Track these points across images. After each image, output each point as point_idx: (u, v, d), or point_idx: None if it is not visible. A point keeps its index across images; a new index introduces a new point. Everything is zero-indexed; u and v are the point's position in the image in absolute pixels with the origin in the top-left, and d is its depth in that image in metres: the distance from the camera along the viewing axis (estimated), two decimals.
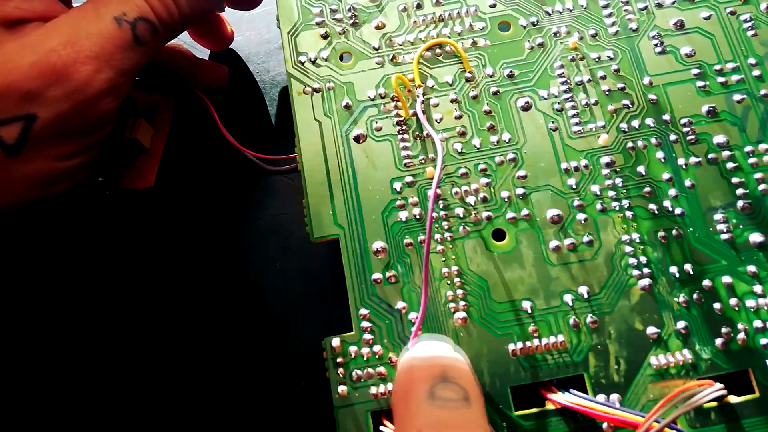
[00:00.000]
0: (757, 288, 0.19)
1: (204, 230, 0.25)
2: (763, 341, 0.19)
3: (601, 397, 0.19)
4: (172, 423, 0.22)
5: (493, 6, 0.23)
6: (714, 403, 0.18)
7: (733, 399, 0.18)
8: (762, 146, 0.20)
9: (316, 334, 0.22)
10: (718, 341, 0.19)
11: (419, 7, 0.23)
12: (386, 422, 0.19)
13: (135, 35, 0.20)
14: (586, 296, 0.19)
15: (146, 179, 0.25)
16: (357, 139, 0.21)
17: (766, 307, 0.19)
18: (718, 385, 0.18)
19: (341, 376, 0.19)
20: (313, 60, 0.22)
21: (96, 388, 0.23)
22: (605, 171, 0.20)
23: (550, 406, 0.19)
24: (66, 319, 0.24)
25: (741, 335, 0.19)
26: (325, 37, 0.23)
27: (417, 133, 0.21)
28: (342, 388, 0.19)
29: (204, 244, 0.24)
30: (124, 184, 0.25)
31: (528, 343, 0.19)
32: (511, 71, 0.22)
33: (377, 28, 0.23)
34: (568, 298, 0.19)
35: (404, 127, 0.21)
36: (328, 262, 0.23)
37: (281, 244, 0.24)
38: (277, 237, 0.24)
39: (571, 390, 0.19)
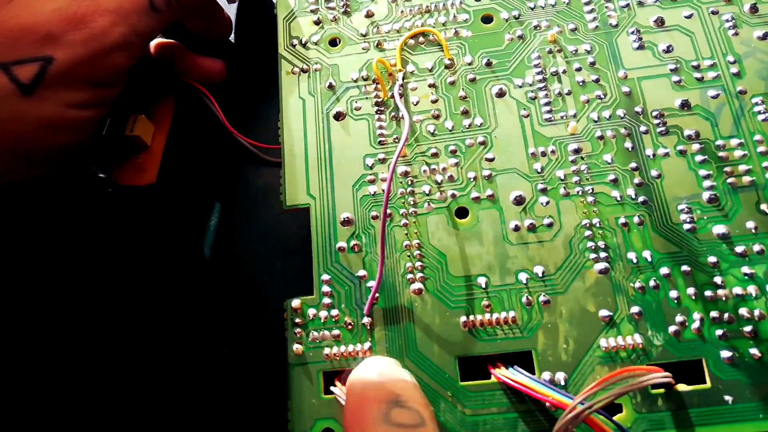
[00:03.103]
0: (717, 279, 0.19)
1: (203, 230, 0.25)
2: (718, 332, 0.18)
3: (546, 375, 0.19)
4: (171, 422, 0.23)
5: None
6: (661, 390, 0.18)
7: (682, 387, 0.18)
8: (734, 141, 0.20)
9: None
10: (672, 328, 0.19)
11: None
12: (338, 383, 0.19)
13: (151, 1, 0.21)
14: (540, 275, 0.20)
15: (148, 176, 0.25)
16: (336, 116, 0.23)
17: (724, 298, 0.19)
18: (665, 373, 0.18)
19: (298, 336, 0.20)
20: (303, 43, 0.24)
21: (96, 385, 0.23)
22: (572, 158, 0.21)
23: (494, 380, 0.19)
24: (66, 316, 0.24)
25: (695, 324, 0.18)
26: (317, 23, 0.24)
27: (393, 114, 0.22)
28: (297, 347, 0.20)
29: (204, 245, 0.25)
30: (126, 180, 0.25)
31: (480, 317, 0.19)
32: (489, 60, 0.22)
33: (367, 16, 0.24)
34: (522, 276, 0.20)
35: (381, 108, 0.22)
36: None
37: (281, 244, 0.25)
38: (277, 237, 0.25)
39: (515, 366, 0.19)
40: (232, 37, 0.28)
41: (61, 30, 0.20)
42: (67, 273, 0.25)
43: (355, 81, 0.23)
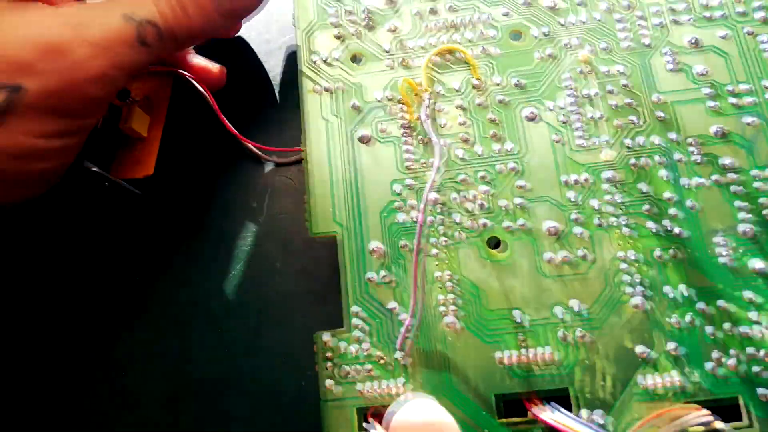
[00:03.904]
0: (753, 314, 0.19)
1: (203, 230, 0.25)
2: (755, 369, 0.18)
3: (584, 413, 0.19)
4: (170, 422, 0.23)
5: (507, 14, 0.23)
6: (700, 428, 0.18)
7: (719, 425, 0.18)
8: None
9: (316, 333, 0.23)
10: (709, 365, 0.19)
11: (433, 12, 0.23)
12: (371, 419, 0.19)
13: (140, 35, 0.20)
14: (576, 310, 0.19)
15: (145, 168, 0.24)
16: (362, 139, 0.22)
17: (760, 335, 0.19)
18: (705, 411, 0.18)
19: (329, 370, 0.20)
20: (325, 59, 0.23)
21: (96, 384, 0.23)
22: (606, 186, 0.20)
23: (531, 417, 0.19)
24: (64, 312, 0.24)
25: (732, 361, 0.18)
26: (338, 37, 0.23)
27: (421, 137, 0.22)
28: (329, 383, 0.20)
29: (204, 244, 0.25)
30: (123, 173, 0.24)
31: (516, 353, 0.19)
32: (518, 81, 0.22)
33: (390, 31, 0.23)
34: (558, 310, 0.19)
35: (409, 131, 0.22)
36: (328, 262, 0.23)
37: (281, 244, 0.24)
38: (277, 237, 0.25)
39: (553, 403, 0.19)
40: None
41: (35, 59, 0.19)
42: (62, 268, 0.25)
43: (380, 101, 0.22)
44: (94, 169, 0.24)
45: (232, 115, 0.25)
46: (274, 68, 0.27)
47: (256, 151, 0.25)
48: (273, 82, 0.27)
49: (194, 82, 0.25)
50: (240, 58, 0.28)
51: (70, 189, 0.24)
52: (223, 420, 0.22)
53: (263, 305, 0.24)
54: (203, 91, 0.25)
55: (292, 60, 0.27)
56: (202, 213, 0.25)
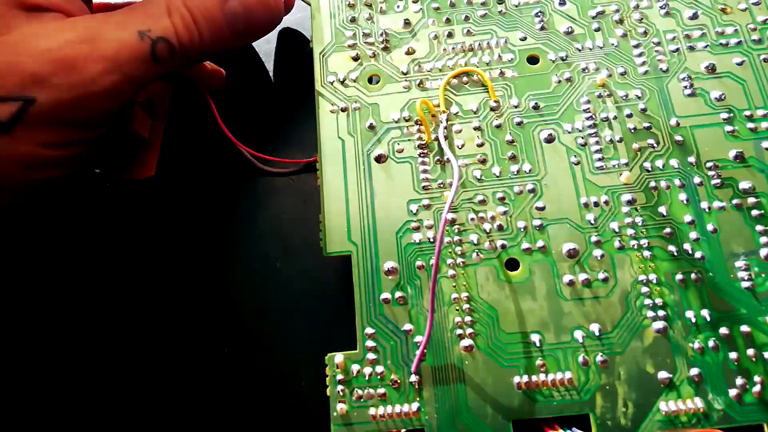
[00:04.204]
0: None
1: (203, 230, 0.25)
2: None
3: None
4: (170, 422, 0.22)
5: (524, 39, 0.23)
6: None
7: None
8: None
9: (315, 334, 0.23)
10: (732, 392, 0.18)
11: (450, 35, 0.23)
12: None
13: (153, 51, 0.20)
14: (597, 334, 0.19)
15: (147, 169, 0.24)
16: (378, 159, 0.22)
17: None
18: None
19: (342, 393, 0.19)
20: (341, 80, 0.23)
21: (95, 385, 0.23)
22: (625, 209, 0.20)
23: None
24: (64, 313, 0.24)
25: (757, 387, 0.18)
26: (355, 59, 0.23)
27: (438, 158, 0.21)
28: (341, 406, 0.19)
29: (203, 244, 0.25)
30: (124, 174, 0.24)
31: (534, 378, 0.19)
32: (536, 103, 0.22)
33: (407, 53, 0.23)
34: (578, 334, 0.19)
35: (425, 151, 0.22)
36: (328, 262, 0.23)
37: (281, 244, 0.24)
38: (277, 237, 0.24)
39: (574, 429, 0.18)
40: None
41: (49, 72, 0.19)
42: (63, 270, 0.24)
43: (397, 122, 0.22)
44: (96, 170, 0.24)
45: (230, 122, 0.25)
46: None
47: (255, 161, 0.25)
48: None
49: (198, 85, 0.25)
50: (243, 59, 0.28)
51: (71, 190, 0.24)
52: (224, 420, 0.22)
53: (263, 305, 0.23)
54: (205, 96, 0.25)
55: (295, 59, 0.28)
56: (202, 214, 0.25)
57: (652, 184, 0.20)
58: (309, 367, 0.22)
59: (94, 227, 0.25)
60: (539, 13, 0.23)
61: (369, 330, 0.20)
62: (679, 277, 0.19)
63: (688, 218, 0.20)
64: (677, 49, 0.22)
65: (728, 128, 0.21)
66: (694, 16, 0.22)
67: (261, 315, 0.23)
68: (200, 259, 0.24)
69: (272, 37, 0.28)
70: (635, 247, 0.20)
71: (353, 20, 0.24)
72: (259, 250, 0.24)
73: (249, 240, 0.24)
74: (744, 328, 0.19)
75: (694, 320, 0.19)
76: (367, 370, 0.19)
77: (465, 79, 0.22)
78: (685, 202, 0.20)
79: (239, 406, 0.22)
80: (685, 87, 0.21)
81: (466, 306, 0.20)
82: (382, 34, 0.23)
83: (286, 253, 0.24)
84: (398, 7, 0.24)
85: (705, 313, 0.19)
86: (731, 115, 0.21)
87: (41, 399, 0.23)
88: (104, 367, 0.23)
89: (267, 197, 0.25)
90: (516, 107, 0.22)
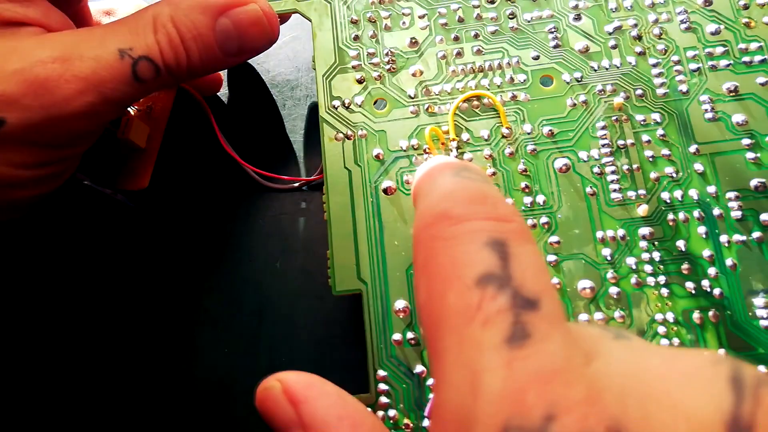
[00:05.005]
0: None
1: (203, 230, 0.24)
2: None
3: None
4: (170, 422, 0.22)
5: (537, 58, 0.22)
6: None
7: None
8: None
9: (316, 334, 0.23)
10: None
11: (459, 55, 0.22)
12: None
13: (135, 71, 0.19)
14: None
15: (140, 180, 0.24)
16: (386, 191, 0.21)
17: None
18: None
19: None
20: (346, 105, 0.22)
21: (93, 389, 0.23)
22: (643, 243, 0.20)
23: None
24: (60, 323, 0.24)
25: None
26: (360, 81, 0.22)
27: None
28: None
29: (203, 244, 0.24)
30: (118, 184, 0.24)
31: None
32: (550, 129, 0.21)
33: (414, 75, 0.22)
34: None
35: None
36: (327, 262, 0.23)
37: (281, 244, 0.24)
38: (277, 237, 0.24)
39: None
40: None
41: (19, 93, 0.18)
42: (56, 279, 0.24)
43: (405, 150, 0.21)
44: (86, 182, 0.24)
45: (229, 129, 0.25)
46: (274, 68, 0.27)
47: (256, 176, 0.25)
48: (272, 83, 0.26)
49: (196, 95, 0.25)
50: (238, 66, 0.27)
51: (61, 201, 0.24)
52: (224, 420, 0.22)
53: (263, 306, 0.23)
54: (205, 107, 0.24)
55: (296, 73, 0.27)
56: (197, 225, 0.25)
57: (671, 216, 0.20)
58: (309, 368, 0.22)
59: (84, 238, 0.25)
60: (553, 29, 0.22)
61: (381, 372, 0.19)
62: (696, 315, 0.19)
63: (707, 253, 0.19)
64: (698, 69, 0.21)
65: (750, 156, 0.20)
66: (717, 32, 0.21)
67: (261, 316, 0.23)
68: (200, 261, 0.24)
69: None
70: (652, 284, 0.19)
71: (356, 38, 0.22)
72: (259, 250, 0.24)
73: (249, 240, 0.24)
74: (762, 368, 0.18)
75: None
76: (380, 414, 0.19)
77: (475, 102, 0.21)
78: (704, 235, 0.20)
79: (239, 406, 0.22)
80: (706, 110, 0.21)
81: None
82: (387, 54, 0.22)
83: (286, 253, 0.24)
84: (404, 23, 0.22)
85: (722, 352, 0.19)
86: (753, 140, 0.20)
87: (38, 407, 0.23)
88: (104, 371, 0.23)
89: (267, 197, 0.25)
90: (529, 134, 0.21)
